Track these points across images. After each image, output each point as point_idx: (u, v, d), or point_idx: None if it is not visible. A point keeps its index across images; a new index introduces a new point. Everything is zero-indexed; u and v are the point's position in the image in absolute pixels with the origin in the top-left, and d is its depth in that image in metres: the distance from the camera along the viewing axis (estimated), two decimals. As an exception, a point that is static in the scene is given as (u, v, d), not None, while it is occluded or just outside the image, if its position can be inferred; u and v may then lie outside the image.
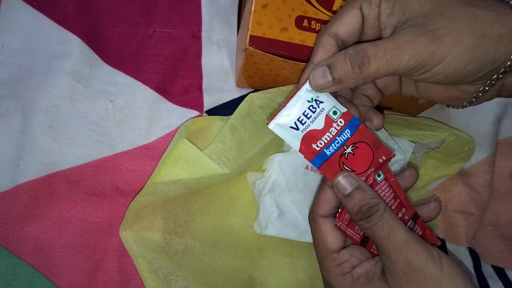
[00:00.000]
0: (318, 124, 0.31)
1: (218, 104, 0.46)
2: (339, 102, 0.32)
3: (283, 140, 0.43)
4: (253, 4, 0.38)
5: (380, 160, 0.32)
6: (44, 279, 0.38)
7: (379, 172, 0.32)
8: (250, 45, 0.37)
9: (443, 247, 0.47)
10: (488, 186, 0.48)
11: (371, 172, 0.32)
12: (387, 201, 0.32)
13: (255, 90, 0.45)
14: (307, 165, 0.42)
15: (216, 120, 0.44)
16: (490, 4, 0.29)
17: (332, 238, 0.32)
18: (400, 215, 0.32)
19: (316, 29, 0.39)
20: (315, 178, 0.42)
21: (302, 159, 0.42)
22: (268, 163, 0.42)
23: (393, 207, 0.32)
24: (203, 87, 0.46)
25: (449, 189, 0.49)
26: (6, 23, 0.44)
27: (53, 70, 0.42)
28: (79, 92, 0.43)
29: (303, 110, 0.31)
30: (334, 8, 0.39)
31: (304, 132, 0.31)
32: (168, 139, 0.44)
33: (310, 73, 0.30)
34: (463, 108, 0.35)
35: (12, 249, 0.38)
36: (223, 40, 0.48)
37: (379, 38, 0.31)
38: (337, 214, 0.32)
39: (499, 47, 0.28)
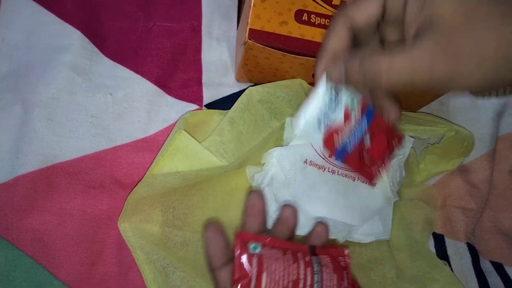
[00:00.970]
0: (338, 116, 0.31)
1: (217, 98, 0.46)
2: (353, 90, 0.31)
3: (282, 134, 0.44)
4: (253, -3, 0.38)
5: (394, 143, 0.33)
6: (43, 270, 0.39)
7: (256, 244, 0.30)
8: (249, 39, 0.37)
9: (441, 242, 0.47)
10: (487, 182, 0.48)
11: (387, 156, 0.33)
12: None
13: (255, 85, 0.45)
14: (306, 159, 0.42)
15: (215, 114, 0.44)
16: None
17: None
18: (296, 265, 0.29)
19: (316, 23, 0.39)
20: (313, 172, 0.42)
21: (301, 153, 0.42)
22: (266, 157, 0.42)
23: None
24: (203, 81, 0.46)
25: (448, 185, 0.49)
26: (7, 17, 0.44)
27: (53, 63, 0.43)
28: (79, 85, 0.43)
29: (323, 105, 0.31)
30: (334, 2, 0.39)
31: (327, 128, 0.31)
32: (167, 132, 0.44)
33: (326, 71, 0.30)
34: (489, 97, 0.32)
35: (12, 240, 0.39)
36: (223, 35, 0.48)
37: (402, 25, 0.28)
38: None
39: None
